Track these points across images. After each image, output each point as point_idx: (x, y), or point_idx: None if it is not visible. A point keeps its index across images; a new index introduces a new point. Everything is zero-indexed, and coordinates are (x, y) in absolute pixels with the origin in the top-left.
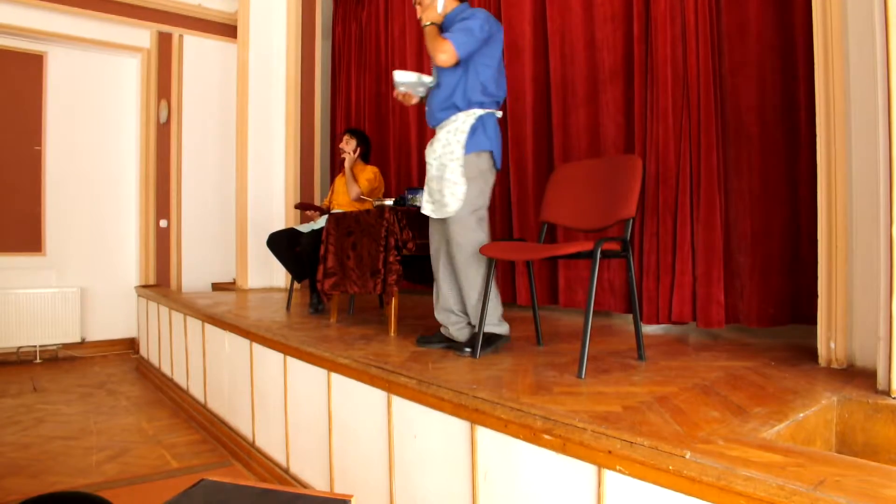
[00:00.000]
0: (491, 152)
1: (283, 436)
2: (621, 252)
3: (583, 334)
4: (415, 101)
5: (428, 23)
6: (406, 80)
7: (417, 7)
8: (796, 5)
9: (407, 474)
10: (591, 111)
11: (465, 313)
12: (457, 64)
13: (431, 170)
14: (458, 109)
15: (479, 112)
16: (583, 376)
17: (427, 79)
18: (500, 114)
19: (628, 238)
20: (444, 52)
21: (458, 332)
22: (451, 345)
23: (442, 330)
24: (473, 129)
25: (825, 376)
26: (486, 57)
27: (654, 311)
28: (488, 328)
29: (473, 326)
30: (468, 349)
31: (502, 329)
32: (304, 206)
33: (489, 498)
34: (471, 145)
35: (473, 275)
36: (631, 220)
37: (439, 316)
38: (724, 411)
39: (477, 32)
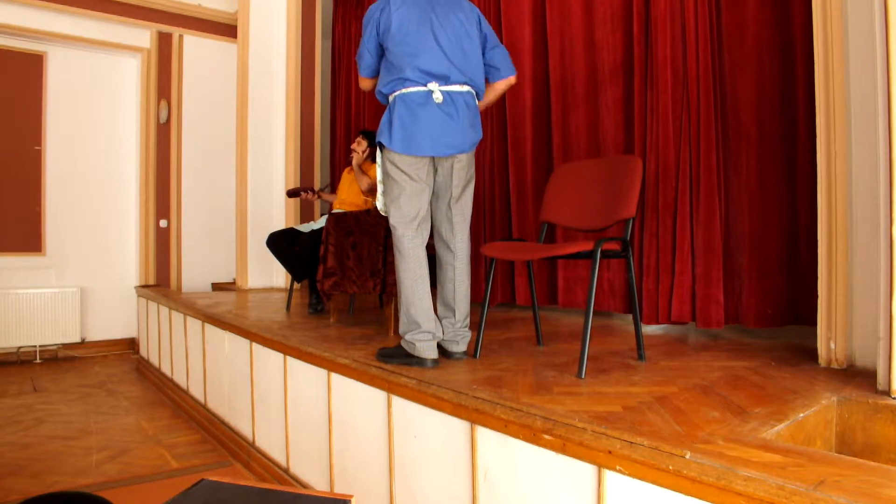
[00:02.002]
0: (393, 147)
1: (283, 436)
2: (621, 252)
3: (583, 334)
4: None
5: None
6: None
7: None
8: (796, 5)
9: (407, 474)
10: (591, 111)
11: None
12: (376, 79)
13: None
14: (386, 102)
15: (390, 100)
16: (583, 376)
17: None
18: (423, 88)
19: (628, 238)
20: (360, 85)
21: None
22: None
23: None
24: (381, 124)
25: (825, 376)
26: (390, 43)
27: (654, 311)
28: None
29: (456, 342)
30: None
31: (419, 343)
32: (295, 192)
33: (489, 498)
34: (379, 142)
35: (400, 277)
36: (631, 221)
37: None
38: (724, 411)
39: (365, 42)
